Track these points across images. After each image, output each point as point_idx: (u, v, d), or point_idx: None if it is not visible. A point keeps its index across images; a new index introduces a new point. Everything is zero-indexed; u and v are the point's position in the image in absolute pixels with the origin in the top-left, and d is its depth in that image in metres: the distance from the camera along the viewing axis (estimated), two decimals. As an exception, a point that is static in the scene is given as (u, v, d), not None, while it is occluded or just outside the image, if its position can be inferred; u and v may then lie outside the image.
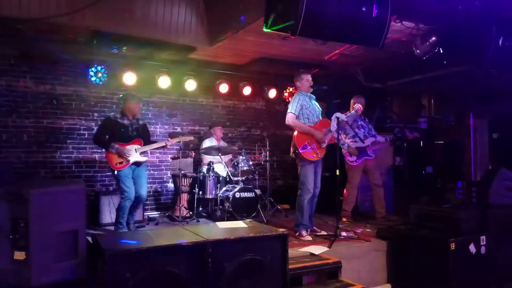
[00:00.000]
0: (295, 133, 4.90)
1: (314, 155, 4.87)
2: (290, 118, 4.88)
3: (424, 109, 8.18)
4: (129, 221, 5.28)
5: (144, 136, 5.33)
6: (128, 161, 5.05)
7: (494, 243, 4.42)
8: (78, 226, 2.82)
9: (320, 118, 5.07)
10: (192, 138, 5.84)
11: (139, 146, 5.19)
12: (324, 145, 4.92)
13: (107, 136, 5.09)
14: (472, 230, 4.32)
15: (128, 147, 5.07)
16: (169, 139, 5.51)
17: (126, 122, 5.19)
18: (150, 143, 5.40)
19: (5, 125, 5.90)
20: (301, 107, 4.91)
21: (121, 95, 5.60)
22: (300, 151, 4.81)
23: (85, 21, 4.91)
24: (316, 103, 5.15)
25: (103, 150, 5.36)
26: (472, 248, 4.23)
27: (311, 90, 5.07)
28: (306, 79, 5.03)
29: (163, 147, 5.61)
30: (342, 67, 6.68)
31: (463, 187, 6.55)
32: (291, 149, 4.99)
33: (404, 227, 4.80)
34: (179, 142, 5.74)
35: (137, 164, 5.18)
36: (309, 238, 4.77)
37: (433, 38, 4.66)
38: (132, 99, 5.29)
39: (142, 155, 5.22)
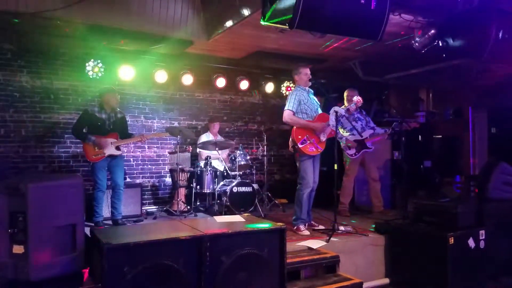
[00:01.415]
0: (294, 128, 4.89)
1: (314, 149, 4.86)
2: (287, 116, 4.86)
3: (422, 103, 8.17)
4: (115, 216, 5.40)
5: (121, 130, 5.45)
6: (104, 154, 5.20)
7: (492, 237, 4.43)
8: (76, 220, 2.81)
9: (319, 112, 5.05)
10: (167, 134, 5.93)
11: (115, 140, 5.31)
12: (324, 139, 4.91)
13: (84, 129, 5.25)
14: (470, 225, 4.32)
15: (104, 140, 5.22)
16: (144, 134, 5.77)
17: (103, 116, 5.33)
18: (128, 136, 5.55)
19: (2, 119, 5.88)
20: (299, 103, 4.88)
21: (99, 90, 5.80)
22: (300, 146, 4.79)
23: (81, 15, 4.89)
24: (314, 98, 5.13)
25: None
26: (471, 242, 4.24)
27: (310, 84, 5.05)
28: (305, 73, 4.99)
29: (139, 141, 5.83)
30: (340, 61, 6.66)
31: (461, 182, 6.56)
32: (290, 144, 4.97)
33: (402, 221, 4.81)
34: (154, 137, 6.24)
35: (113, 157, 5.31)
36: (307, 232, 4.77)
37: (432, 31, 4.64)
38: (107, 91, 5.43)
39: (117, 148, 5.35)
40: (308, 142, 4.82)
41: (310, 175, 4.88)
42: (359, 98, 5.20)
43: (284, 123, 5.00)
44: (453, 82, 7.10)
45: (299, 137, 4.81)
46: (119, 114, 5.51)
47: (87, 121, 5.27)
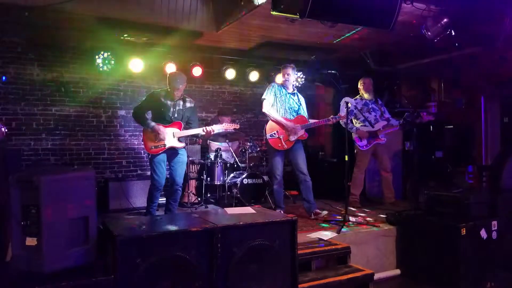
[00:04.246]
0: (269, 120, 5.04)
1: (279, 144, 4.98)
2: (265, 105, 5.02)
3: (434, 92, 8.05)
4: (171, 207, 4.79)
5: (188, 120, 4.76)
6: (164, 145, 4.59)
7: (505, 228, 4.38)
8: (89, 212, 2.83)
9: (299, 114, 5.12)
10: (237, 126, 5.09)
11: (178, 130, 4.66)
12: (293, 139, 4.98)
13: (148, 113, 4.67)
14: (483, 215, 4.28)
15: (164, 129, 4.60)
16: (207, 127, 4.72)
17: (168, 102, 4.63)
18: (194, 128, 4.76)
19: (14, 112, 5.94)
20: (274, 96, 5.02)
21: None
22: (268, 138, 4.96)
23: (90, 7, 4.89)
24: (295, 99, 5.13)
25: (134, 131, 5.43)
26: (483, 233, 4.19)
27: (287, 83, 5.12)
28: (283, 73, 5.13)
29: (203, 136, 4.82)
30: (351, 51, 6.58)
31: (473, 172, 6.49)
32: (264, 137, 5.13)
33: (414, 212, 4.78)
34: (221, 130, 5.03)
35: (174, 150, 4.69)
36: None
37: (445, 20, 4.55)
38: (171, 81, 4.60)
39: (180, 140, 4.70)
40: (277, 137, 4.96)
41: (279, 167, 5.03)
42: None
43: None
44: (465, 71, 6.98)
45: (270, 130, 4.98)
46: (189, 104, 4.75)
47: (151, 104, 4.64)
